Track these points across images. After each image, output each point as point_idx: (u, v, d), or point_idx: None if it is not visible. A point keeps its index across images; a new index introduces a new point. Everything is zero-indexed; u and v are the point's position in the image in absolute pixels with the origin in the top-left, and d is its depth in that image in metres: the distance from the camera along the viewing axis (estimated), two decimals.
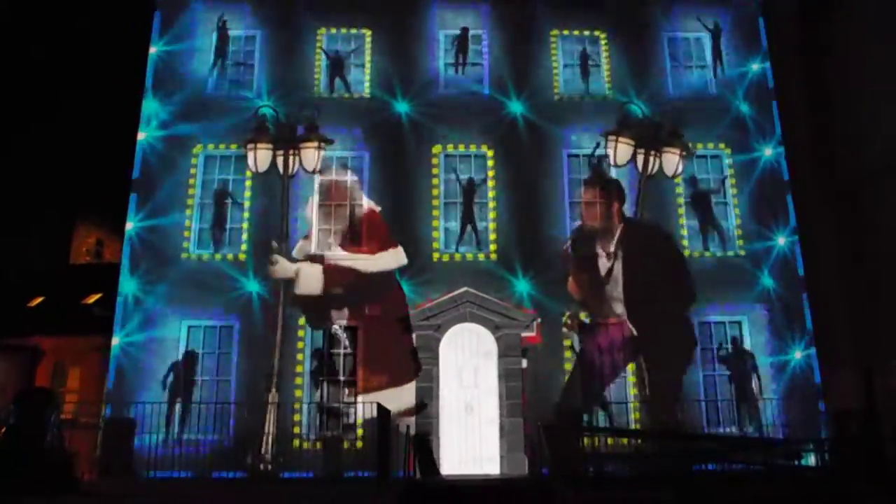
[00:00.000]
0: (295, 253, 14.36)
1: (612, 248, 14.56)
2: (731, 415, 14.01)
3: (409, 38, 15.85)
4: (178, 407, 13.61)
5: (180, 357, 13.99)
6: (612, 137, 14.70)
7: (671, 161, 14.70)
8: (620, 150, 14.67)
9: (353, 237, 14.52)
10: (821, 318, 14.63)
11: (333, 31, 16.01)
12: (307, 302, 14.17)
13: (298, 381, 13.87)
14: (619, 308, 14.24)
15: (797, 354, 14.27)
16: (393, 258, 14.34)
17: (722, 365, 14.35)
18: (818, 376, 14.19)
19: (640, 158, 14.88)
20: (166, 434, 13.19)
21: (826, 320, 14.73)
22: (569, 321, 14.15)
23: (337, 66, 15.73)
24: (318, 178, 14.81)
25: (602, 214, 14.89)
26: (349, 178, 14.97)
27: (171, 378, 13.77)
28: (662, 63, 16.01)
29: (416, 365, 13.71)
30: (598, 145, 15.01)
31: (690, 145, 14.93)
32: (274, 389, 13.43)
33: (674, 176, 14.82)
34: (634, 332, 14.05)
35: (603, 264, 14.50)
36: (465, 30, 15.91)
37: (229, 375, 13.91)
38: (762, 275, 14.72)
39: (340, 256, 14.34)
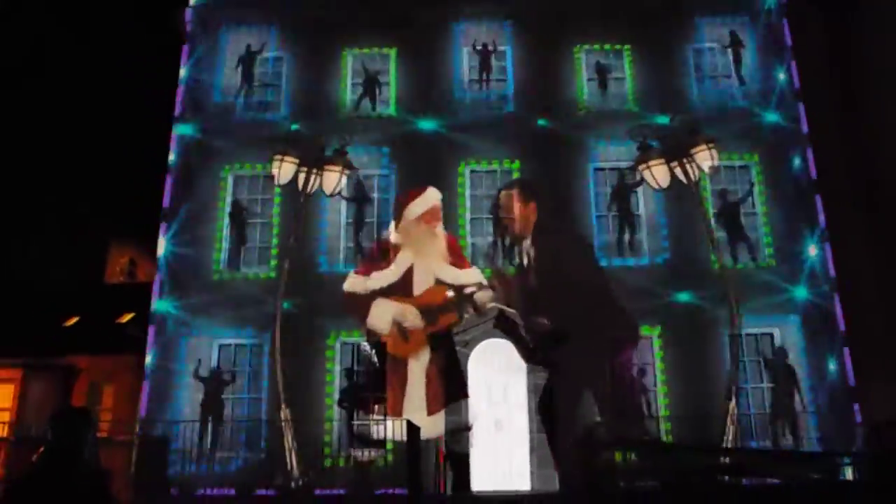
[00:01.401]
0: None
1: (528, 251, 13.58)
2: (765, 428, 13.80)
3: (434, 55, 16.00)
4: (209, 425, 13.76)
5: (210, 374, 14.15)
6: (642, 166, 14.10)
7: (705, 158, 14.10)
8: (657, 173, 13.92)
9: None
10: (855, 327, 14.38)
11: (359, 51, 16.22)
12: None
13: (329, 401, 13.95)
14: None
15: (832, 365, 14.02)
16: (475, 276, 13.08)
17: (768, 371, 14.08)
18: (854, 387, 13.93)
19: (679, 172, 14.24)
20: (199, 452, 13.34)
21: (861, 329, 14.47)
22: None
23: (371, 84, 15.89)
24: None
25: (520, 219, 13.72)
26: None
27: (205, 378, 13.91)
28: (687, 74, 15.94)
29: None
30: (624, 176, 14.78)
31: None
32: (284, 406, 13.31)
33: (714, 173, 14.27)
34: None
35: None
36: (486, 48, 15.98)
37: (260, 393, 14.05)
38: (794, 284, 14.51)
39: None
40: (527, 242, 12.90)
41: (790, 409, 13.76)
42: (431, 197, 12.98)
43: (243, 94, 15.91)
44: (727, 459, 11.99)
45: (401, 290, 12.78)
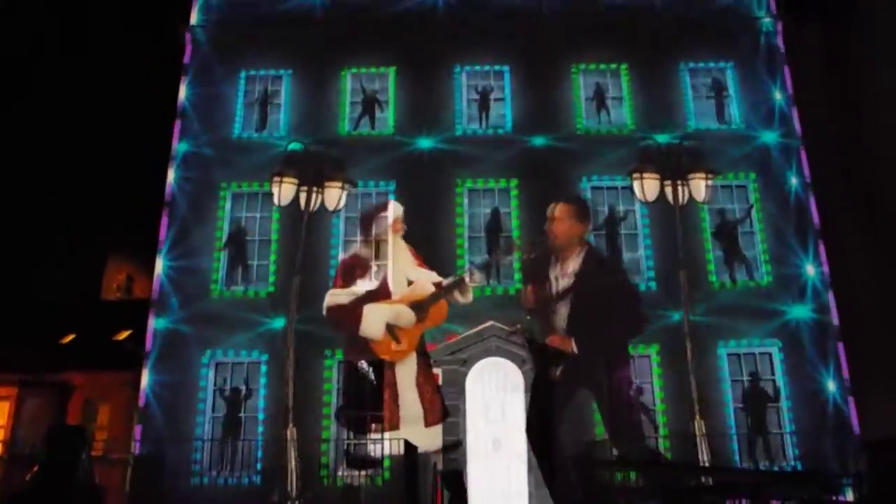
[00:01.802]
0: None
1: (570, 268, 14.29)
2: (761, 449, 13.74)
3: (433, 75, 16.07)
4: (207, 444, 13.67)
5: (229, 395, 14.16)
6: (636, 175, 14.39)
7: (699, 186, 14.37)
8: (647, 186, 14.25)
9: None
10: (853, 346, 14.37)
11: (358, 70, 16.30)
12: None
13: (326, 421, 13.87)
14: (559, 323, 14.00)
15: (830, 384, 14.00)
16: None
17: (742, 402, 14.11)
18: (852, 407, 13.90)
19: (668, 191, 14.46)
20: (197, 471, 13.24)
21: (859, 349, 14.47)
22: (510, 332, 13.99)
23: (370, 103, 16.00)
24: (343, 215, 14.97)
25: (566, 233, 14.70)
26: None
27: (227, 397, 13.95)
28: (684, 95, 16.04)
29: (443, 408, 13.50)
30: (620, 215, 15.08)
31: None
32: (291, 425, 13.27)
33: (705, 201, 14.51)
34: (574, 351, 13.76)
35: (558, 282, 14.24)
36: (485, 91, 16.16)
37: (256, 411, 13.98)
38: (791, 304, 14.53)
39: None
40: (568, 257, 13.72)
41: (764, 430, 13.79)
42: (396, 208, 13.78)
43: (243, 113, 15.98)
44: (716, 478, 11.96)
45: (380, 295, 13.51)
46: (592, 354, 13.75)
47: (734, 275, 14.84)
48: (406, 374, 13.56)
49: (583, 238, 14.57)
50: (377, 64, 16.28)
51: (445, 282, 13.95)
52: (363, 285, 14.18)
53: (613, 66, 16.29)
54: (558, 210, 14.68)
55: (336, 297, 13.93)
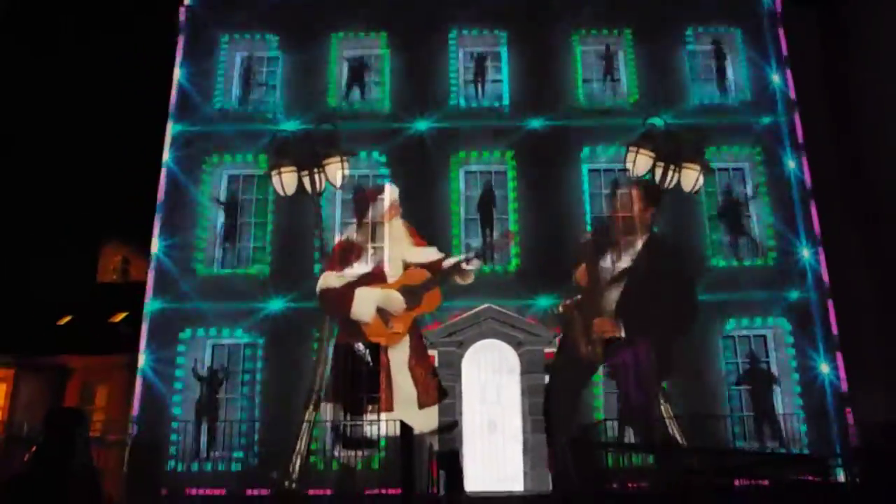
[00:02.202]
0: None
1: (628, 254, 14.29)
2: (755, 430, 13.84)
3: (429, 54, 15.96)
4: (204, 426, 13.72)
5: (205, 375, 14.12)
6: (632, 148, 14.60)
7: (690, 177, 14.55)
8: (640, 161, 14.53)
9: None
10: (848, 329, 14.43)
11: (355, 51, 16.19)
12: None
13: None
14: (608, 305, 13.96)
15: (824, 367, 14.07)
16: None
17: (742, 384, 14.20)
18: (846, 389, 13.98)
19: (658, 171, 14.69)
20: (193, 452, 13.30)
21: (853, 332, 14.53)
22: (565, 304, 13.99)
23: (357, 73, 15.87)
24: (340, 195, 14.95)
25: (630, 218, 14.71)
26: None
27: (203, 377, 13.93)
28: (683, 76, 15.97)
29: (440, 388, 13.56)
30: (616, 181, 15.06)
31: (709, 163, 14.78)
32: (312, 407, 13.32)
33: (692, 192, 14.64)
34: (622, 335, 13.78)
35: (615, 265, 14.25)
36: (482, 57, 16.02)
37: (254, 393, 14.02)
38: (787, 287, 14.56)
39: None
40: (629, 242, 13.80)
41: (770, 412, 13.85)
42: (391, 191, 13.76)
43: (238, 94, 15.90)
44: (724, 461, 12.04)
45: (375, 279, 13.55)
46: (634, 339, 13.72)
47: (739, 254, 14.87)
48: (399, 356, 13.64)
49: (647, 223, 14.57)
50: (373, 44, 16.17)
51: (445, 263, 13.93)
52: (358, 269, 14.18)
53: (616, 32, 16.15)
54: (625, 193, 14.72)
55: (329, 279, 13.97)
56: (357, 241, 14.32)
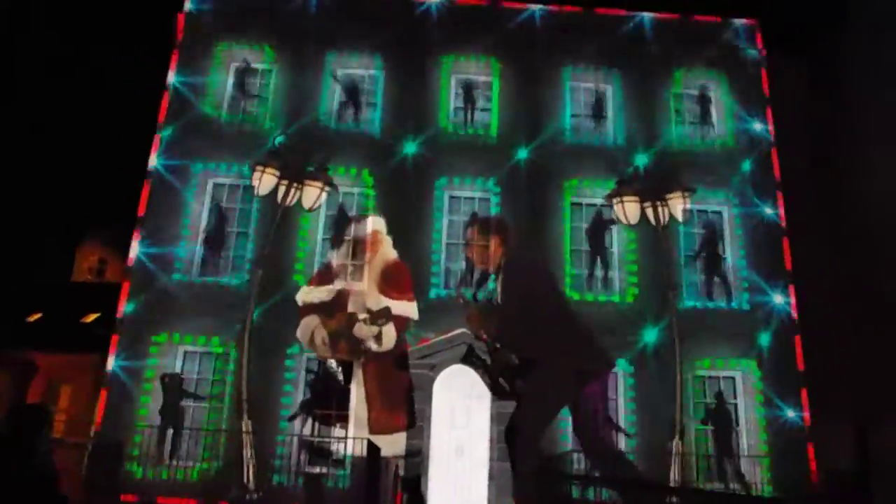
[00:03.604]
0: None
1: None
2: (719, 471, 13.93)
3: (420, 79, 16.13)
4: (168, 432, 13.56)
5: (171, 380, 13.96)
6: (615, 199, 14.56)
7: (677, 205, 14.59)
8: (629, 209, 14.41)
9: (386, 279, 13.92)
10: (816, 375, 14.62)
11: (348, 71, 16.33)
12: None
13: (285, 412, 13.79)
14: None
15: (790, 413, 14.22)
16: (411, 310, 13.90)
17: (706, 423, 14.30)
18: (811, 434, 14.12)
19: (649, 213, 14.63)
20: (155, 458, 13.12)
21: (822, 378, 14.71)
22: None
23: (350, 93, 15.99)
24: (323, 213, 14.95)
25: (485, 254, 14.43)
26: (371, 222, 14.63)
27: (166, 383, 13.78)
28: (666, 118, 16.27)
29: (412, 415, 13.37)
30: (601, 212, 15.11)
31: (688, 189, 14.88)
32: (246, 417, 13.19)
33: (685, 220, 14.70)
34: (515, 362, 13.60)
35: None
36: (469, 86, 16.25)
37: (222, 402, 13.90)
38: (758, 330, 14.73)
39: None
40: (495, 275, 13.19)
41: (731, 452, 13.99)
42: (369, 226, 13.62)
43: (229, 105, 15.93)
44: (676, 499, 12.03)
45: (337, 307, 13.37)
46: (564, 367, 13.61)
47: (712, 295, 15.03)
48: (357, 381, 13.54)
49: (497, 252, 14.09)
50: (366, 65, 16.32)
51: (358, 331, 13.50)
52: (319, 293, 14.01)
53: (601, 78, 16.44)
54: (469, 234, 14.32)
55: (306, 294, 13.94)
56: (335, 268, 14.21)
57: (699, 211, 15.58)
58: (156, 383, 13.79)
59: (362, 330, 13.13)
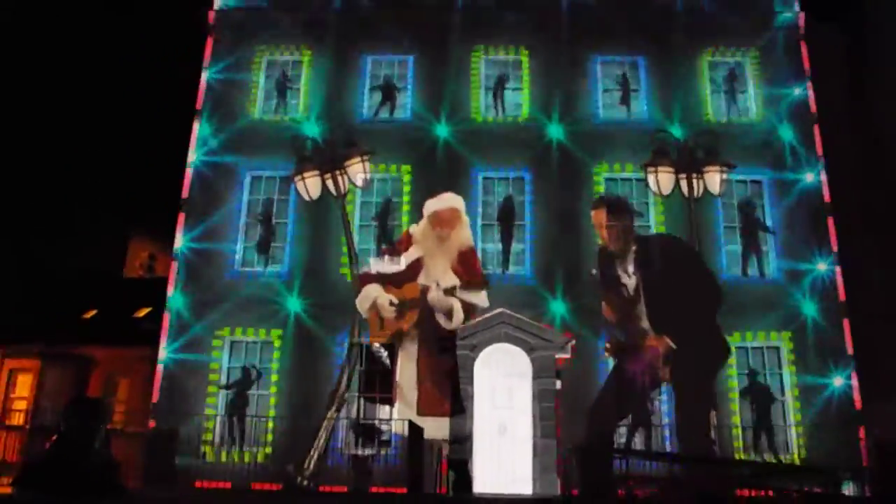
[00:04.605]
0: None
1: (630, 268, 13.72)
2: (765, 442, 13.87)
3: (451, 63, 16.20)
4: (220, 419, 14.04)
5: (241, 374, 14.56)
6: (650, 169, 14.31)
7: (714, 179, 14.28)
8: (663, 180, 14.14)
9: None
10: (863, 345, 14.40)
11: (379, 58, 16.48)
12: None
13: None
14: (646, 325, 13.48)
15: (837, 381, 14.05)
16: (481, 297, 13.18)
17: (745, 398, 14.22)
18: (859, 404, 13.96)
19: (683, 184, 14.44)
20: (212, 446, 13.62)
21: (868, 347, 14.50)
22: (608, 346, 13.76)
23: (387, 92, 16.19)
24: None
25: (616, 235, 14.24)
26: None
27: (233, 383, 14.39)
28: (702, 88, 16.04)
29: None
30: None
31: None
32: (334, 408, 13.34)
33: (720, 194, 14.44)
34: (673, 346, 13.21)
35: (628, 284, 13.88)
36: (503, 74, 16.33)
37: (267, 390, 14.34)
38: (802, 300, 14.56)
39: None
40: (626, 257, 13.07)
41: (769, 425, 13.91)
42: (445, 202, 13.27)
43: (264, 97, 16.24)
44: (733, 470, 12.03)
45: (405, 280, 13.12)
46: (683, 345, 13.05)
47: (747, 269, 14.88)
48: (408, 360, 13.50)
49: (629, 234, 13.84)
50: (397, 51, 16.44)
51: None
52: (392, 264, 13.69)
53: (631, 58, 16.30)
54: (594, 216, 14.09)
55: (375, 264, 13.67)
56: (410, 238, 13.80)
57: (738, 181, 15.32)
58: (204, 375, 14.27)
59: (439, 300, 12.92)
